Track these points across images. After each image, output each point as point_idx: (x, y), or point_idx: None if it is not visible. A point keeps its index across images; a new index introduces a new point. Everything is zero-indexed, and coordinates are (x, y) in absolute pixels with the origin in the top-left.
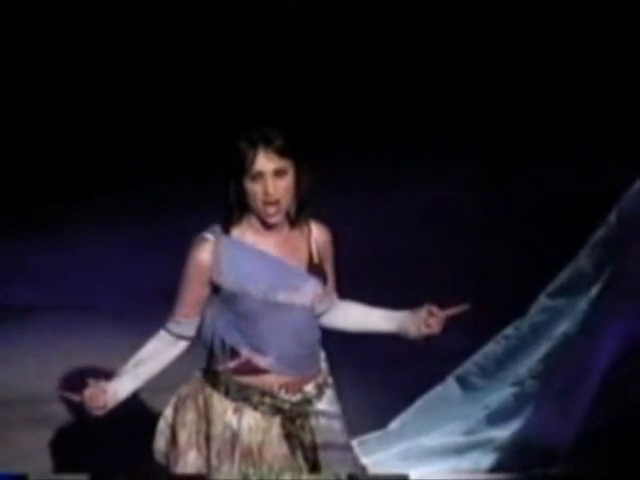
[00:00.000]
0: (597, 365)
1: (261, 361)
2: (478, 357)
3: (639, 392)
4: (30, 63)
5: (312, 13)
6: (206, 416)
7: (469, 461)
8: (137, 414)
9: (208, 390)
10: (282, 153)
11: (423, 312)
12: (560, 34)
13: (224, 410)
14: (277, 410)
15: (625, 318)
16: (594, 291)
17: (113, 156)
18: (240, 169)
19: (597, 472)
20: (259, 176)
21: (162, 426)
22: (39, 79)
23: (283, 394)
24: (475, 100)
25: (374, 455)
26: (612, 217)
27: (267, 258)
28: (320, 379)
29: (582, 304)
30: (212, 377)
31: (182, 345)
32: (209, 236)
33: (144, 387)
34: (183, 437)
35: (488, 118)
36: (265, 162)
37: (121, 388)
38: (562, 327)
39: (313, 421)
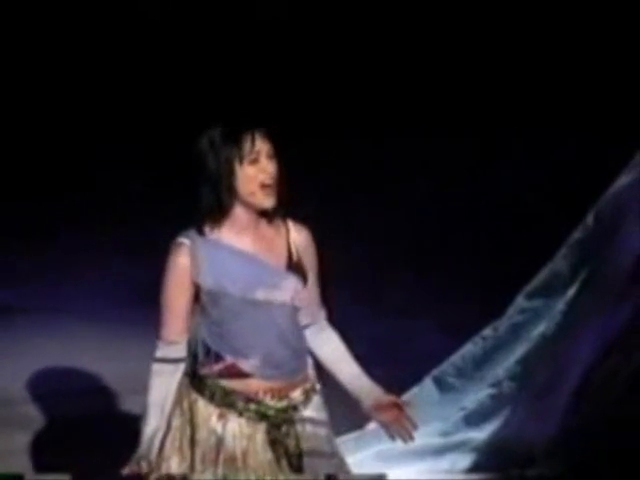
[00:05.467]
0: (574, 366)
1: (245, 365)
2: (455, 358)
3: (617, 393)
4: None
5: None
6: (191, 421)
7: (446, 462)
8: (112, 415)
9: (193, 395)
10: (269, 137)
11: (387, 400)
12: (529, 34)
13: (209, 416)
14: (262, 416)
15: (602, 319)
16: (571, 292)
17: (87, 157)
18: (235, 155)
19: (573, 473)
20: (256, 158)
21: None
22: (13, 81)
23: (268, 400)
24: (453, 97)
25: (352, 456)
26: (589, 219)
27: (244, 256)
28: (307, 385)
29: (559, 305)
30: (198, 383)
31: (182, 367)
32: (184, 240)
33: (118, 388)
34: (168, 442)
35: (464, 117)
36: (261, 143)
37: (155, 440)
38: (539, 328)
39: (299, 428)
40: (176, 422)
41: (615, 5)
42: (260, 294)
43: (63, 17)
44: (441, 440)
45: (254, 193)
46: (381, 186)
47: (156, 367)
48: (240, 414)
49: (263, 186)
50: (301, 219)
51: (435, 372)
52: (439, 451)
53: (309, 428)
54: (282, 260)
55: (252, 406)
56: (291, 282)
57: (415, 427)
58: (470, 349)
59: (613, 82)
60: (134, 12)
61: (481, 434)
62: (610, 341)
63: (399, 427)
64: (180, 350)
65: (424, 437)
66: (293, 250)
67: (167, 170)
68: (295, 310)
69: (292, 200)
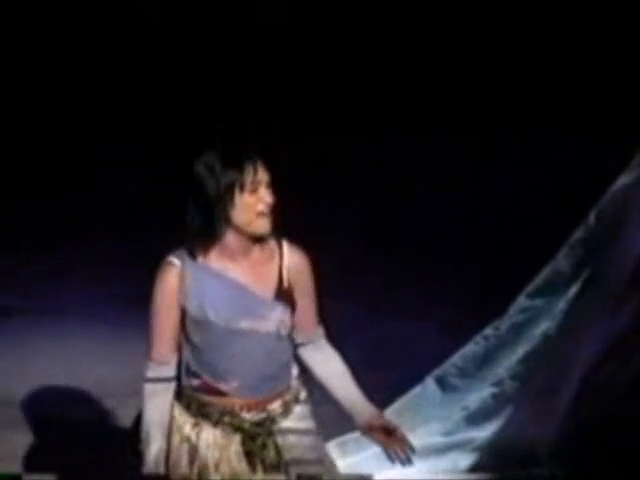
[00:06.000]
0: (576, 365)
1: (223, 386)
2: (457, 358)
3: (617, 393)
4: None
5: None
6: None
7: (448, 462)
8: (111, 418)
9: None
10: (268, 166)
11: (379, 422)
12: (528, 34)
13: (183, 423)
14: (236, 428)
15: (603, 321)
16: (573, 291)
17: (87, 157)
18: (236, 184)
19: (576, 473)
20: (257, 187)
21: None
22: (13, 82)
23: (245, 413)
24: (453, 97)
25: (352, 456)
26: (591, 218)
27: (232, 286)
28: (288, 396)
29: (561, 304)
30: (176, 389)
31: (174, 385)
32: (175, 260)
33: (118, 391)
34: None
35: (464, 117)
36: (262, 173)
37: (161, 459)
38: (541, 327)
39: (279, 439)
40: None
41: (615, 5)
42: (245, 324)
43: (63, 17)
44: (443, 440)
45: (251, 222)
46: (381, 186)
47: (149, 387)
48: (215, 425)
49: (259, 214)
50: (299, 220)
51: (437, 372)
52: (441, 451)
53: (291, 438)
54: (271, 288)
55: (226, 418)
56: (277, 312)
57: (413, 451)
58: (472, 348)
59: (613, 82)
60: (134, 12)
61: (483, 434)
62: (610, 343)
63: (395, 450)
64: (171, 369)
65: (426, 437)
66: (284, 276)
67: (167, 170)
68: (287, 335)
69: (291, 201)
